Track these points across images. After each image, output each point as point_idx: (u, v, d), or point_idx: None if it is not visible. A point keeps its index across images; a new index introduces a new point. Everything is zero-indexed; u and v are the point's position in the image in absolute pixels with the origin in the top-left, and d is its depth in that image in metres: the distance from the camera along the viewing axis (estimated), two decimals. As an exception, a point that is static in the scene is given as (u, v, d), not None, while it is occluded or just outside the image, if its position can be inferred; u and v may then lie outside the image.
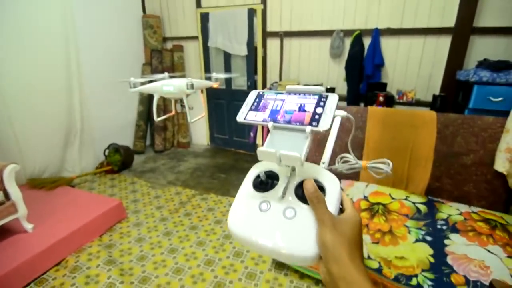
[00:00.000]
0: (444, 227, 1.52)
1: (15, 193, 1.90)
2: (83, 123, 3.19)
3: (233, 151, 4.10)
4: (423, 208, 1.68)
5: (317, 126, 0.36)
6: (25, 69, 2.59)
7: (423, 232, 1.50)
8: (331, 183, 0.37)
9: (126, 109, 3.90)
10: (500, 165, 1.69)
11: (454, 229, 1.50)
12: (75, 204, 2.38)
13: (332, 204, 0.35)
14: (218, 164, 3.64)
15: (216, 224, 2.33)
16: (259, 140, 3.43)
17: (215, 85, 1.39)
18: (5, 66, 2.45)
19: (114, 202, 2.37)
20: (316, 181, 0.36)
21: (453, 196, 1.90)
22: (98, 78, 3.34)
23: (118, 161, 3.33)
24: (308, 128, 0.36)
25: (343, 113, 0.42)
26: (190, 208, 2.58)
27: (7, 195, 1.87)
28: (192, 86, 1.18)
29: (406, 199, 1.75)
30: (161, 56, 3.98)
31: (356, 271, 0.32)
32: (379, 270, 1.36)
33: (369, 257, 1.42)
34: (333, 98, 0.39)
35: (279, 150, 0.35)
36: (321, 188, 0.36)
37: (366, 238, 1.53)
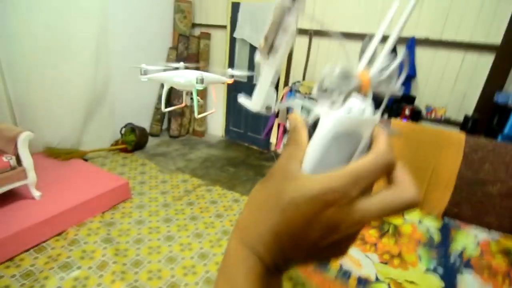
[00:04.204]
0: (458, 262, 1.40)
1: (27, 160, 1.95)
2: (106, 99, 3.25)
3: (246, 145, 4.05)
4: (436, 236, 1.56)
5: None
6: (52, 38, 2.61)
7: (434, 262, 1.39)
8: (325, 121, 0.22)
9: (147, 91, 3.93)
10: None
11: (468, 265, 1.38)
12: (84, 178, 2.43)
13: (309, 155, 0.22)
14: (229, 157, 3.61)
15: (217, 218, 2.30)
16: (273, 139, 3.36)
17: (229, 81, 1.32)
18: (29, 31, 2.47)
19: (121, 181, 2.40)
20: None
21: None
22: (125, 56, 3.38)
23: (133, 141, 3.38)
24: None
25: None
26: (193, 198, 2.56)
27: (19, 161, 1.93)
28: (202, 81, 1.13)
29: (420, 223, 1.63)
30: (188, 42, 3.97)
31: (238, 241, 0.23)
32: None
33: (377, 279, 1.33)
34: None
35: None
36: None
37: (374, 257, 1.44)
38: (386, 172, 0.21)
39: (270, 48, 0.27)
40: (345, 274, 1.37)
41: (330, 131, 0.22)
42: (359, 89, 0.23)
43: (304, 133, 0.23)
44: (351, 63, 0.24)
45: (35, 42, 2.52)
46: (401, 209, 0.20)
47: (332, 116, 0.22)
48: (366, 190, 0.20)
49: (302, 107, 0.28)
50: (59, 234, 1.92)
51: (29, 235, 1.78)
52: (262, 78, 0.30)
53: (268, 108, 0.32)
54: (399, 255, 1.45)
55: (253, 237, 0.22)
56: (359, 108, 0.22)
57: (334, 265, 1.42)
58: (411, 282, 1.30)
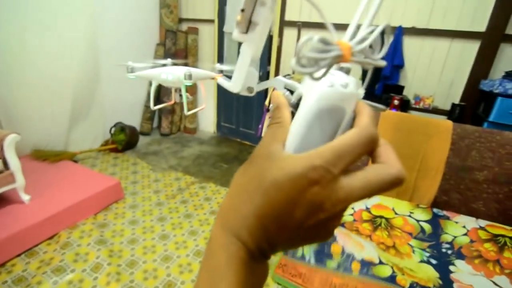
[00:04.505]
0: (449, 252, 1.44)
1: (15, 163, 1.90)
2: (94, 99, 3.18)
3: (238, 141, 4.04)
4: (427, 227, 1.59)
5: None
6: (38, 37, 2.52)
7: (427, 254, 1.43)
8: (308, 97, 0.21)
9: (136, 89, 3.87)
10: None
11: (460, 255, 1.41)
12: (74, 179, 2.39)
13: (292, 134, 0.21)
14: (222, 153, 3.59)
15: (211, 215, 2.30)
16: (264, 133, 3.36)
17: (218, 76, 1.30)
18: (13, 31, 2.38)
19: (113, 182, 2.37)
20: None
21: (460, 213, 1.81)
22: (112, 55, 3.31)
23: (123, 140, 3.33)
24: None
25: None
26: (187, 196, 2.55)
27: (6, 165, 1.88)
28: (190, 77, 1.11)
29: (410, 216, 1.66)
30: (175, 38, 3.90)
31: (219, 227, 0.22)
32: (392, 278, 1.31)
33: (380, 262, 1.36)
34: None
35: None
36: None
37: (372, 244, 1.48)
38: (370, 147, 0.20)
39: (249, 23, 0.26)
40: (348, 258, 1.40)
41: (313, 106, 0.20)
42: (340, 59, 0.21)
43: (287, 111, 0.22)
44: (329, 35, 0.22)
45: (19, 41, 2.44)
46: (386, 185, 0.19)
47: (315, 91, 0.21)
48: (351, 167, 0.20)
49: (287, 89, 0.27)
50: (51, 238, 1.89)
51: (20, 240, 1.75)
52: (241, 57, 0.28)
53: (249, 88, 0.31)
54: (394, 246, 1.48)
55: (235, 221, 0.21)
56: (342, 82, 0.21)
57: (336, 248, 1.44)
58: (410, 270, 1.33)
